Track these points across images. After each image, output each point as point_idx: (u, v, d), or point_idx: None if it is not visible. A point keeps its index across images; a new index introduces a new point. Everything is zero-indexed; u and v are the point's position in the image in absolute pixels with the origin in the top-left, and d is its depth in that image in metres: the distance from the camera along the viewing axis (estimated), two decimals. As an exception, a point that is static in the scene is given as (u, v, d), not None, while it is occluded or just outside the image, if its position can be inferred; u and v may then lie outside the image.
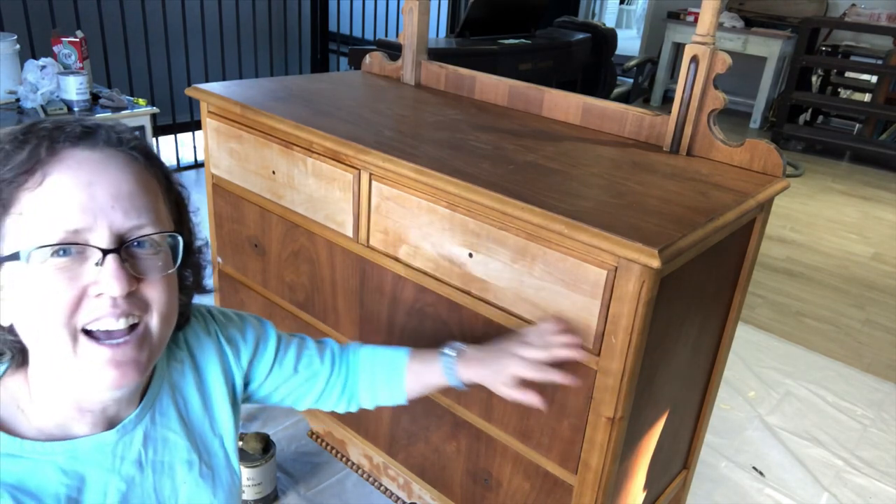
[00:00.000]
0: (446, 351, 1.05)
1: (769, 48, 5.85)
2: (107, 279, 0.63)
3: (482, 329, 1.22)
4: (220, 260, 1.79)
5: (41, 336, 0.64)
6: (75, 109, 2.66)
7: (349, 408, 1.08)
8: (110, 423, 0.73)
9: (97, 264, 0.63)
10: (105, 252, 0.63)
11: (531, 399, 0.99)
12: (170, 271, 0.68)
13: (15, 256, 0.62)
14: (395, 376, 1.06)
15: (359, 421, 1.60)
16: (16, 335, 0.66)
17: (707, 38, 1.30)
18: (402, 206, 1.27)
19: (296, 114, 1.46)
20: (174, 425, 0.80)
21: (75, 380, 0.67)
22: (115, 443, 0.73)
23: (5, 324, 0.66)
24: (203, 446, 0.84)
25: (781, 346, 2.73)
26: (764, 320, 2.92)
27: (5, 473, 0.65)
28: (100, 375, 0.66)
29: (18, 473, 0.66)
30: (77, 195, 0.62)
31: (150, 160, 0.70)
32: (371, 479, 1.66)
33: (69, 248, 0.62)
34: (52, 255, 0.62)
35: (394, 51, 1.97)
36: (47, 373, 0.68)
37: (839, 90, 6.22)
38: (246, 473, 1.72)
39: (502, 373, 1.00)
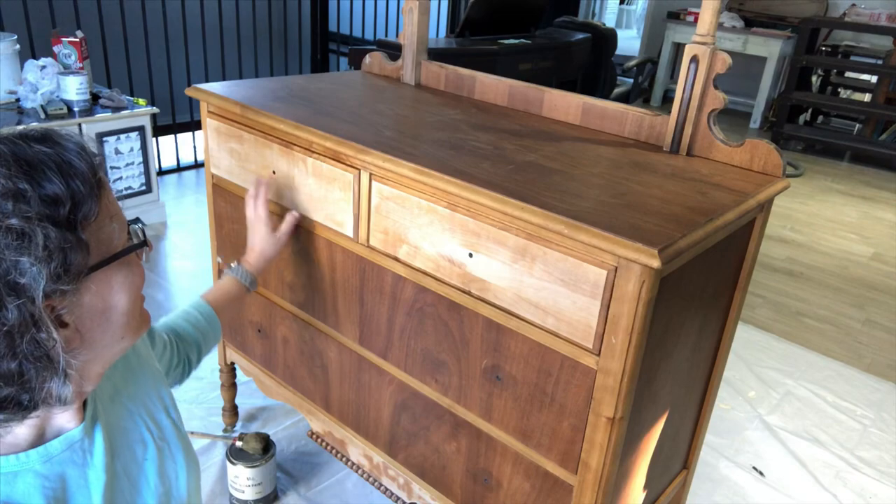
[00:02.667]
0: (229, 266, 1.39)
1: (769, 48, 5.86)
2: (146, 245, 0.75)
3: (482, 329, 1.23)
4: (219, 260, 1.79)
5: (122, 325, 0.71)
6: (75, 109, 2.67)
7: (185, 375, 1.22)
8: (80, 415, 0.76)
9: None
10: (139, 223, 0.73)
11: (292, 216, 1.44)
12: None
13: (120, 254, 0.68)
14: (211, 322, 1.28)
15: (359, 421, 1.60)
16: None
17: (707, 38, 1.30)
18: (402, 206, 1.27)
19: (296, 114, 1.46)
20: (119, 410, 0.83)
21: (123, 347, 0.73)
22: (81, 438, 0.74)
23: (72, 346, 0.65)
24: (152, 422, 0.87)
25: (781, 346, 2.73)
26: (764, 320, 2.92)
27: None
28: (145, 323, 0.76)
29: (4, 488, 0.67)
30: (112, 195, 0.71)
31: None
32: (371, 479, 1.66)
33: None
34: (141, 245, 0.72)
35: (394, 51, 1.97)
36: (91, 369, 0.72)
37: (839, 90, 6.22)
38: (246, 473, 1.72)
39: (263, 234, 1.41)
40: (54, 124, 2.54)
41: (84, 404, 0.76)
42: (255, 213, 1.42)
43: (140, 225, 0.75)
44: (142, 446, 0.84)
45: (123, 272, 0.69)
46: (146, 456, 0.84)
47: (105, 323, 0.68)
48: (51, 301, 0.61)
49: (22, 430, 0.69)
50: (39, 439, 0.71)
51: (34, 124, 0.71)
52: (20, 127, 0.68)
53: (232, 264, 1.41)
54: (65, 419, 0.73)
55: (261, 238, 1.42)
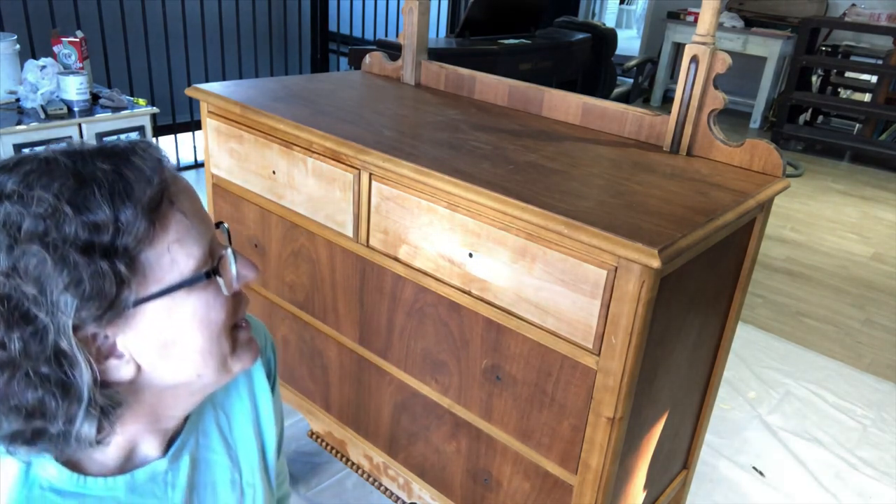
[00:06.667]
0: None
1: (769, 48, 5.85)
2: (244, 271, 0.67)
3: (482, 329, 1.22)
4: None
5: (195, 362, 0.65)
6: (75, 109, 2.66)
7: None
8: (167, 447, 0.73)
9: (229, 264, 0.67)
10: (231, 252, 0.67)
11: None
12: None
13: (178, 286, 0.61)
14: None
15: (359, 421, 1.60)
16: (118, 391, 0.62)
17: (707, 38, 1.30)
18: (402, 206, 1.27)
19: (296, 114, 1.46)
20: (216, 445, 0.80)
21: (204, 384, 0.68)
22: (165, 471, 0.72)
23: (128, 376, 0.62)
24: (246, 463, 0.83)
25: (781, 346, 2.73)
26: (764, 320, 2.92)
27: None
28: (246, 357, 0.69)
29: None
30: (195, 216, 0.64)
31: None
32: (371, 479, 1.66)
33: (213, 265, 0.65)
34: (208, 276, 0.63)
35: (394, 51, 1.97)
36: (165, 402, 0.68)
37: (839, 90, 6.22)
38: (246, 473, 1.71)
39: None
40: (54, 124, 2.54)
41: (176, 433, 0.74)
42: None
43: (227, 253, 0.67)
44: (229, 486, 0.80)
45: (192, 305, 0.62)
46: (228, 498, 0.80)
47: (168, 358, 0.63)
48: (88, 331, 0.58)
49: (112, 450, 0.67)
50: (127, 462, 0.69)
51: (123, 138, 0.64)
52: (111, 140, 0.64)
53: None
54: (152, 445, 0.70)
55: None
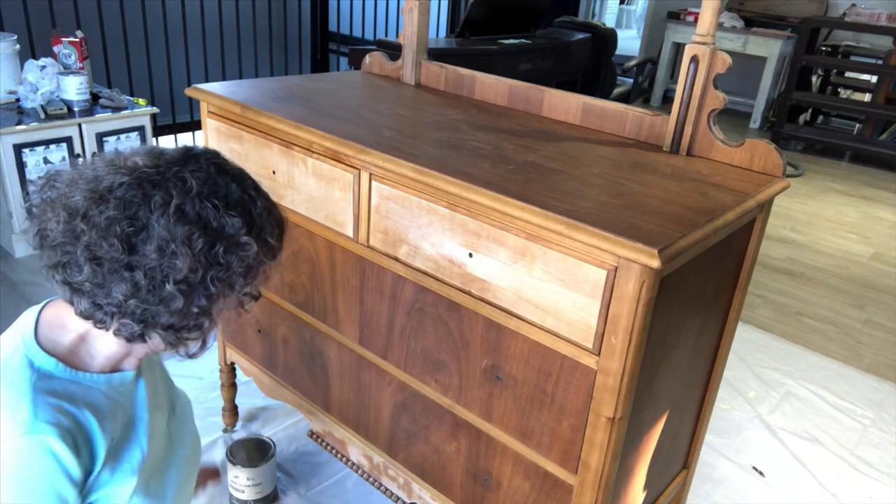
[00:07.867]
0: None
1: (769, 48, 5.86)
2: None
3: (482, 329, 1.23)
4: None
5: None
6: (75, 109, 2.67)
7: None
8: (138, 364, 0.95)
9: None
10: None
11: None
12: None
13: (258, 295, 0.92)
14: None
15: (359, 421, 1.60)
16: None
17: (707, 38, 1.30)
18: (402, 206, 1.27)
19: (296, 114, 1.46)
20: (158, 377, 1.05)
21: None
22: (131, 381, 0.93)
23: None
24: (176, 398, 1.10)
25: (781, 346, 2.73)
26: (764, 320, 2.92)
27: (77, 393, 0.86)
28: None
29: (83, 395, 0.86)
30: None
31: None
32: (371, 479, 1.66)
33: None
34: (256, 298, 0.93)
35: (394, 51, 1.97)
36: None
37: (839, 90, 6.22)
38: (246, 473, 1.72)
39: None
40: (54, 124, 2.54)
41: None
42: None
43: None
44: (170, 409, 1.05)
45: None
46: (170, 419, 1.04)
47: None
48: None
49: (103, 356, 0.89)
50: (109, 369, 0.90)
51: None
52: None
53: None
54: (129, 363, 0.92)
55: None
